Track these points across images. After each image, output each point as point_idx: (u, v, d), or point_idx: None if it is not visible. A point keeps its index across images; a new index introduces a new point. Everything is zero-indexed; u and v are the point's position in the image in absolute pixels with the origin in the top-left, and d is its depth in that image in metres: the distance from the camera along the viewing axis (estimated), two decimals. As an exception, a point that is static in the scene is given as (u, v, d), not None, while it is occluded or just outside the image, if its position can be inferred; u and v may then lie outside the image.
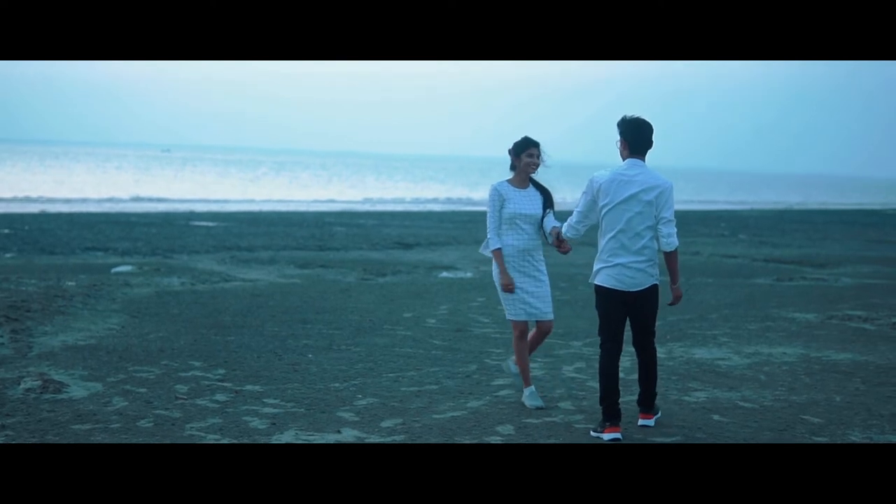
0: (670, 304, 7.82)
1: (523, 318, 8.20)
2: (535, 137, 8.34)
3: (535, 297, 8.19)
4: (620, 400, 7.69)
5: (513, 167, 8.35)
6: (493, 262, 8.26)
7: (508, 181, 8.31)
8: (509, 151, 8.35)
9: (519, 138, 8.34)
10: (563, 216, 8.26)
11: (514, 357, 8.49)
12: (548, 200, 8.32)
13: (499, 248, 8.16)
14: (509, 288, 8.12)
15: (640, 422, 7.74)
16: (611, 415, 7.47)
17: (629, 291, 7.47)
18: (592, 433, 7.54)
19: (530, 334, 8.39)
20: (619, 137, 7.61)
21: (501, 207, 8.19)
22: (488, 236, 8.25)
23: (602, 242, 7.53)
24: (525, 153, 8.23)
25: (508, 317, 8.25)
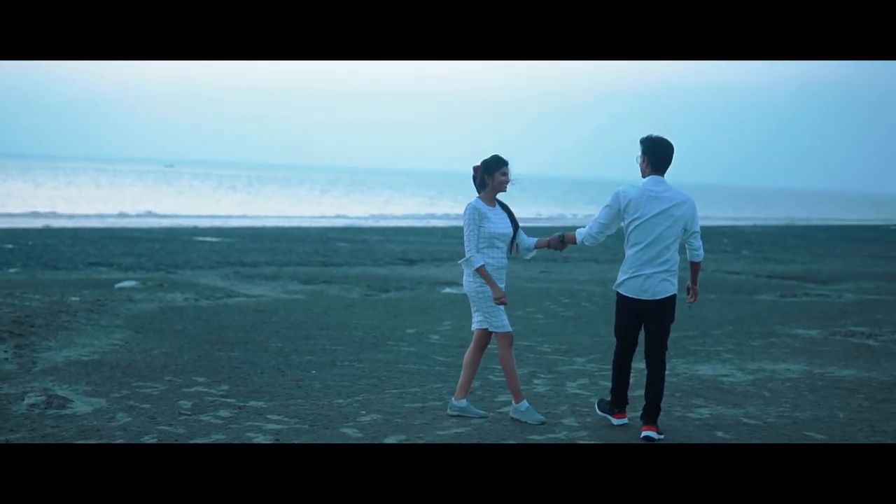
0: (690, 303, 8.34)
1: (510, 328, 8.32)
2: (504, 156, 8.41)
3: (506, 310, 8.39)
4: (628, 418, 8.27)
5: (482, 186, 8.36)
6: (470, 277, 8.30)
7: (481, 199, 8.34)
8: (476, 168, 8.37)
9: (489, 157, 8.36)
10: (547, 232, 8.35)
11: (455, 395, 8.53)
12: (513, 219, 8.43)
13: (483, 265, 8.23)
14: (503, 301, 8.21)
15: (643, 433, 7.83)
16: (621, 402, 8.21)
17: (651, 300, 7.83)
18: (598, 410, 8.39)
19: (472, 347, 8.52)
20: (641, 154, 8.01)
21: (480, 226, 8.24)
22: (468, 254, 8.26)
23: (629, 253, 8.00)
24: (499, 171, 8.29)
25: (499, 329, 8.27)
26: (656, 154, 7.96)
